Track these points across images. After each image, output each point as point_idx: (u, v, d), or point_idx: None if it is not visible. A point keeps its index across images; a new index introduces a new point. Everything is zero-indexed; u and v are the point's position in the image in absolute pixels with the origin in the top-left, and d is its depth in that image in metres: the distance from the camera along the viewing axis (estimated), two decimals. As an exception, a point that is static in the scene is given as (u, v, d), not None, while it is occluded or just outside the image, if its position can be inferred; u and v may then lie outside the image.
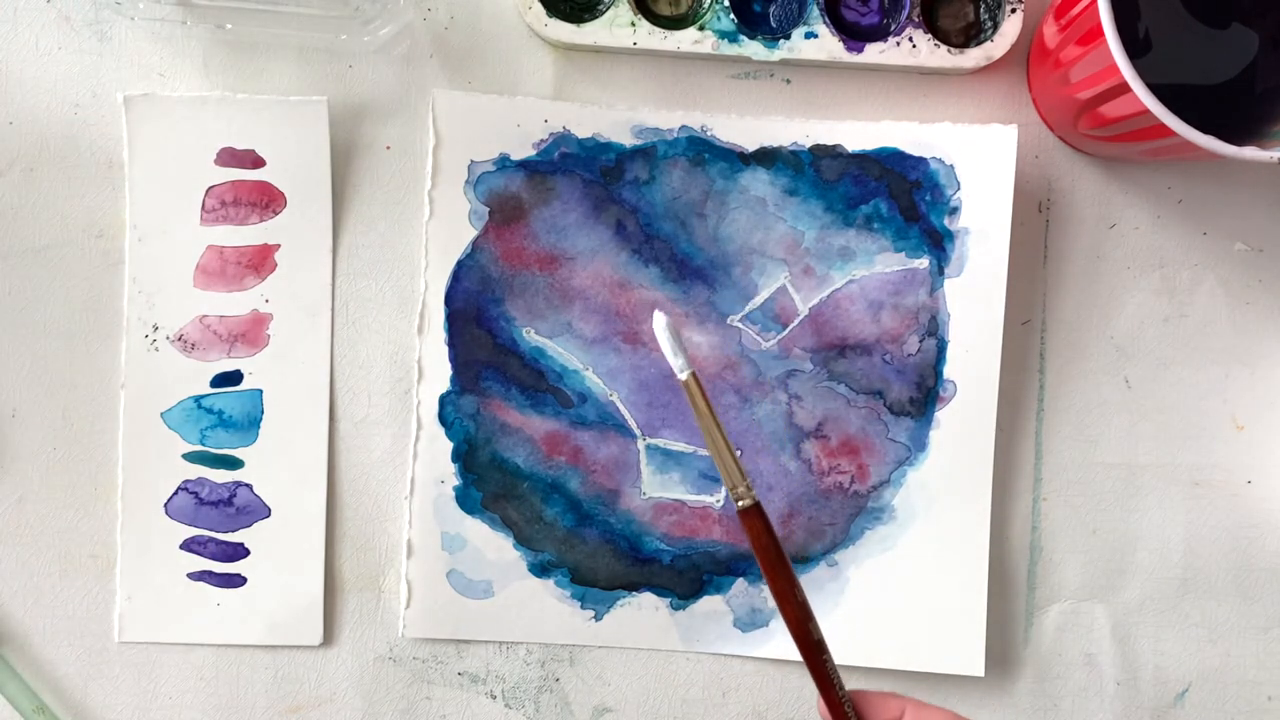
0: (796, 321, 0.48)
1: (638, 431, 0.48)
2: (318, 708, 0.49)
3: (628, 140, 0.48)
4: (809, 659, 0.38)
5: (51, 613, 0.48)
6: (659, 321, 0.38)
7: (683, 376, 0.37)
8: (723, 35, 0.47)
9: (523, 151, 0.48)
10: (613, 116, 0.48)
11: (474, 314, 0.48)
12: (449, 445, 0.48)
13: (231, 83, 0.48)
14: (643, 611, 0.49)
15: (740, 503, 0.37)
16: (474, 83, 0.48)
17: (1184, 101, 0.40)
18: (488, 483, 0.48)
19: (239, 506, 0.48)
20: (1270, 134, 0.43)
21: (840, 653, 0.48)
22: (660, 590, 0.48)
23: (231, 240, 0.48)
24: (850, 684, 0.49)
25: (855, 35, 0.48)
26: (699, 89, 0.49)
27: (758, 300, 0.48)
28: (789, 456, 0.48)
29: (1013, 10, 0.47)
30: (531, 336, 0.48)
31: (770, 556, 0.37)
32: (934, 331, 0.48)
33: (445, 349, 0.48)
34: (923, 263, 0.48)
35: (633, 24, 0.47)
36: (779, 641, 0.48)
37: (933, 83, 0.49)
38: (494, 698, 0.49)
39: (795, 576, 0.37)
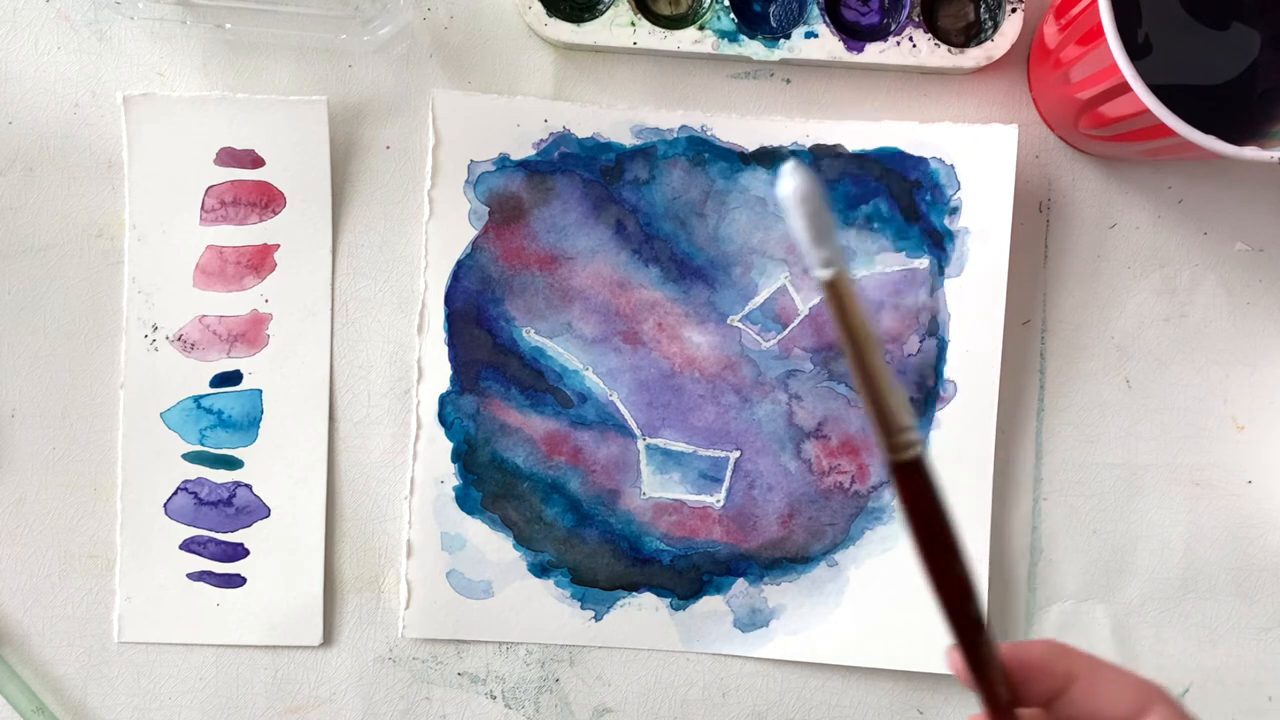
0: (796, 321, 0.48)
1: (638, 431, 0.48)
2: (317, 708, 0.49)
3: (628, 140, 0.48)
4: (964, 639, 0.31)
5: (51, 613, 0.48)
6: (790, 182, 0.24)
7: (824, 275, 0.25)
8: (723, 35, 0.47)
9: (522, 151, 0.48)
10: (613, 116, 0.48)
11: (474, 314, 0.48)
12: (449, 445, 0.48)
13: (231, 83, 0.48)
14: (643, 612, 0.48)
15: (896, 454, 0.27)
16: (474, 83, 0.48)
17: (1184, 101, 0.40)
18: (487, 483, 0.48)
19: (239, 506, 0.48)
20: (1270, 134, 0.43)
21: (840, 653, 0.48)
22: (660, 590, 0.48)
23: (231, 240, 0.48)
24: (850, 685, 0.50)
25: (855, 35, 0.48)
26: (699, 89, 0.49)
27: (758, 300, 0.48)
28: (789, 456, 0.48)
29: (1013, 10, 0.47)
30: (531, 336, 0.48)
31: (929, 525, 0.28)
32: (934, 331, 0.48)
33: (445, 349, 0.48)
34: (923, 263, 0.48)
35: (633, 24, 0.47)
36: (779, 641, 0.48)
37: (933, 82, 0.49)
38: (494, 698, 0.49)
39: (960, 548, 0.29)
